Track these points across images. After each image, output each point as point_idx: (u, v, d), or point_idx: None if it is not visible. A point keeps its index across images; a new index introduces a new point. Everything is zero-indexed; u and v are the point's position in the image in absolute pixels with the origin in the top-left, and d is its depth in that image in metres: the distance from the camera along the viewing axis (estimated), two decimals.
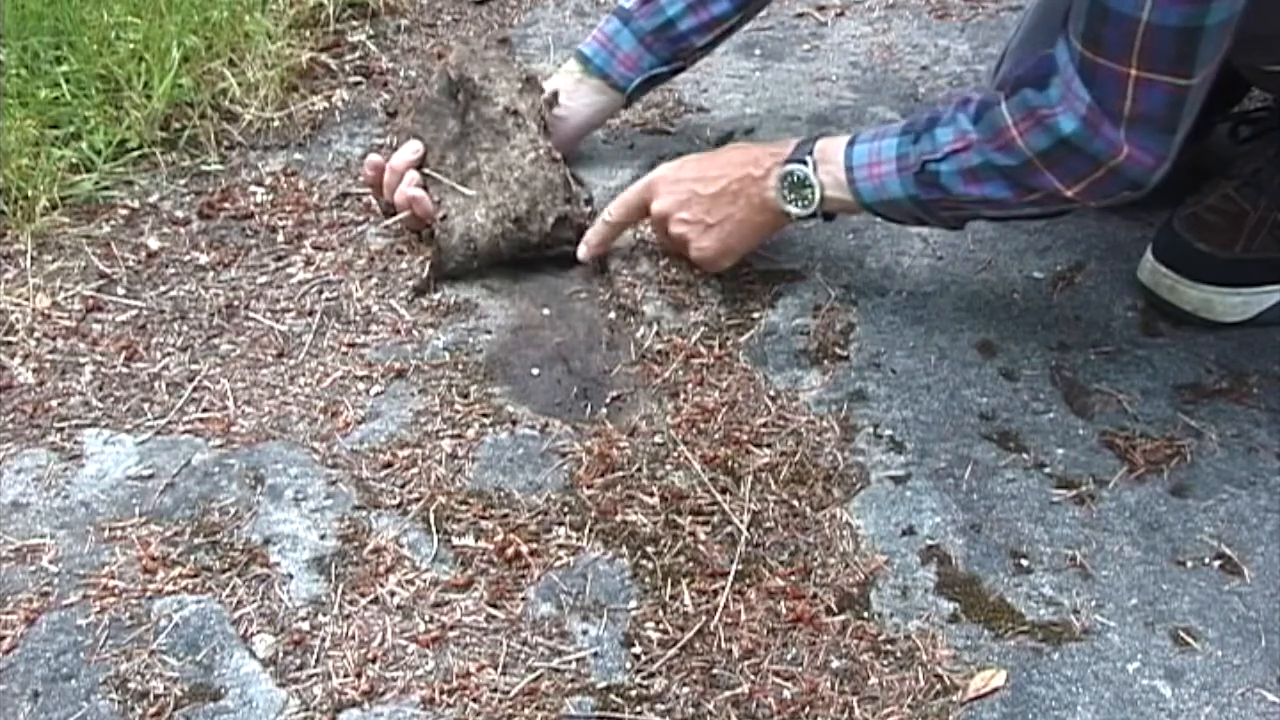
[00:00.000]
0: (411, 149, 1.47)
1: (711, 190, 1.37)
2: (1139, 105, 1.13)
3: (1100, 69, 1.13)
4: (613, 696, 1.05)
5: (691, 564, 1.15)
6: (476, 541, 1.17)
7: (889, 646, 1.09)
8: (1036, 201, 1.25)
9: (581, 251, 1.45)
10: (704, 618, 1.11)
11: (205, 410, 1.29)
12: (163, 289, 1.44)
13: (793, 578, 1.14)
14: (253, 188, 1.59)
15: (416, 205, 1.45)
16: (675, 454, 1.25)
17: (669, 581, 1.14)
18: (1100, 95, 1.14)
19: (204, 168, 1.61)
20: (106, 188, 1.56)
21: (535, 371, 1.35)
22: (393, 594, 1.12)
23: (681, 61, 1.58)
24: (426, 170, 1.47)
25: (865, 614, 1.12)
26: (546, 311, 1.43)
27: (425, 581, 1.13)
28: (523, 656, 1.08)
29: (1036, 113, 1.18)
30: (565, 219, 1.44)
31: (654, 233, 1.45)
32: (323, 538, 1.17)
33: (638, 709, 1.04)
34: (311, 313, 1.41)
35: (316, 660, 1.07)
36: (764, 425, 1.28)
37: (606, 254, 1.47)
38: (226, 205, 1.56)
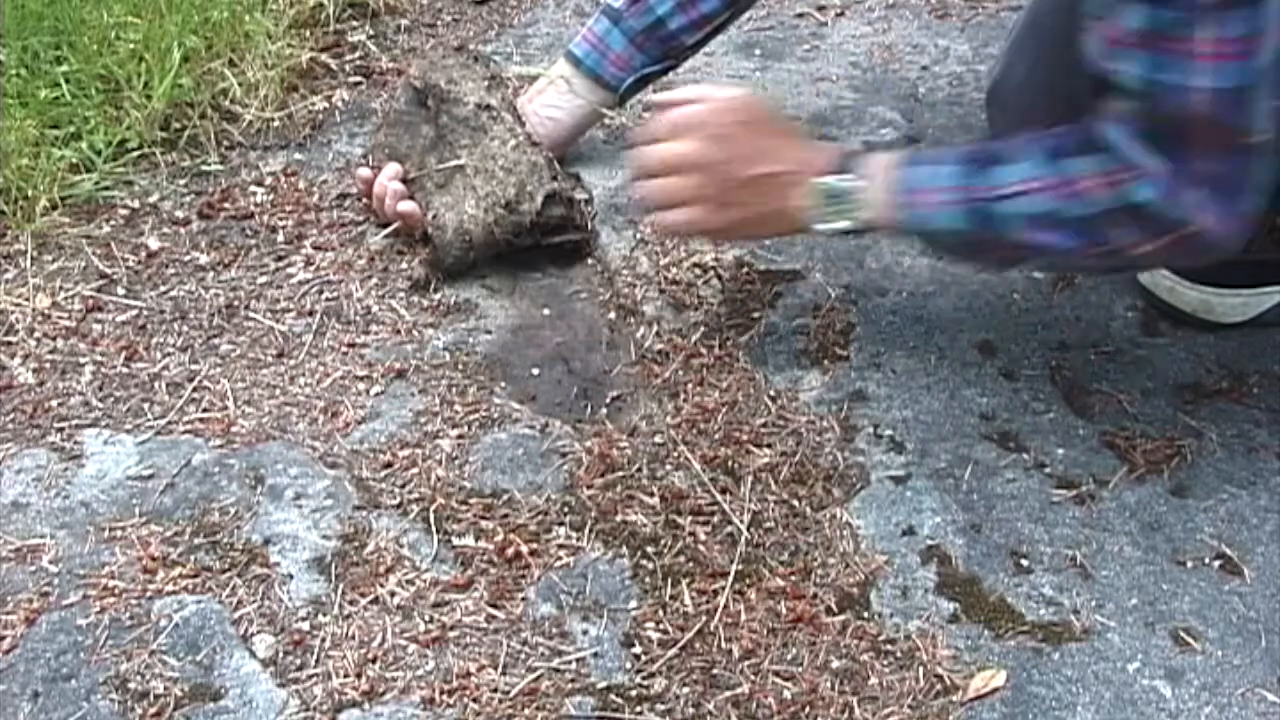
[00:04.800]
0: (392, 170, 1.49)
1: (740, 175, 1.25)
2: (1211, 168, 1.08)
3: (1165, 138, 1.08)
4: (613, 696, 1.05)
5: (691, 564, 1.15)
6: (476, 541, 1.17)
7: (889, 646, 1.09)
8: (1101, 255, 1.17)
9: None
10: (704, 618, 1.11)
11: (205, 410, 1.29)
12: (163, 289, 1.44)
13: (793, 578, 1.14)
14: (253, 188, 1.59)
15: (408, 219, 1.46)
16: (675, 454, 1.25)
17: (669, 581, 1.14)
18: (1175, 163, 1.09)
19: (204, 168, 1.61)
20: (106, 188, 1.56)
21: (535, 371, 1.35)
22: (393, 594, 1.12)
23: (673, 60, 1.58)
24: (411, 177, 1.48)
25: (865, 614, 1.12)
26: (546, 311, 1.43)
27: (425, 581, 1.13)
28: (523, 656, 1.08)
29: (1114, 174, 1.11)
30: (555, 195, 1.44)
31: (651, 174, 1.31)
32: (323, 538, 1.17)
33: (638, 709, 1.04)
34: (311, 313, 1.41)
35: (316, 660, 1.07)
36: (764, 425, 1.28)
37: (606, 254, 1.48)
38: (226, 205, 1.56)
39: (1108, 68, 1.09)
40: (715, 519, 1.19)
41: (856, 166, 1.23)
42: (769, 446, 1.26)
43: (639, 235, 1.50)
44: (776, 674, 1.06)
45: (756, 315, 1.41)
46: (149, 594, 1.11)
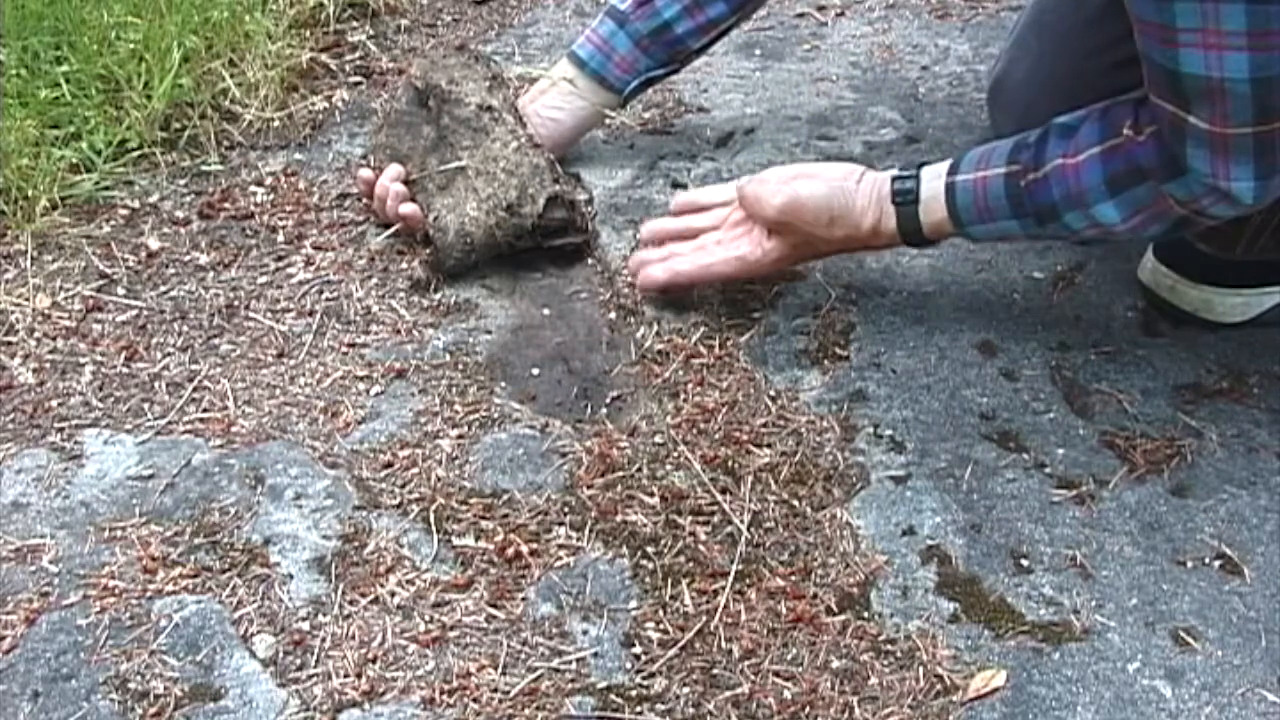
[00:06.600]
0: (394, 172, 1.49)
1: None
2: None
3: (1246, 151, 1.12)
4: (613, 696, 1.05)
5: (691, 564, 1.15)
6: (477, 541, 1.17)
7: (889, 646, 1.09)
8: (1139, 226, 1.22)
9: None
10: (704, 618, 1.11)
11: (205, 410, 1.29)
12: (163, 289, 1.44)
13: (793, 578, 1.14)
14: (253, 188, 1.59)
15: (409, 221, 1.46)
16: (675, 454, 1.25)
17: (669, 581, 1.14)
18: (1258, 174, 1.12)
19: (204, 168, 1.61)
20: (106, 188, 1.57)
21: (535, 371, 1.35)
22: (393, 594, 1.12)
23: (677, 64, 1.58)
24: (412, 179, 1.48)
25: (865, 614, 1.12)
26: (546, 311, 1.43)
27: (425, 581, 1.13)
28: (523, 656, 1.08)
29: (1196, 199, 1.16)
30: (556, 198, 1.44)
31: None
32: (323, 538, 1.17)
33: (638, 709, 1.04)
34: (311, 313, 1.41)
35: (316, 660, 1.07)
36: (764, 425, 1.28)
37: (606, 254, 1.48)
38: (226, 205, 1.56)
39: (1210, 75, 1.08)
40: (715, 519, 1.19)
41: (916, 167, 1.31)
42: (769, 446, 1.26)
43: (639, 235, 1.50)
44: (776, 674, 1.06)
45: (756, 315, 1.41)
46: (149, 594, 1.11)
